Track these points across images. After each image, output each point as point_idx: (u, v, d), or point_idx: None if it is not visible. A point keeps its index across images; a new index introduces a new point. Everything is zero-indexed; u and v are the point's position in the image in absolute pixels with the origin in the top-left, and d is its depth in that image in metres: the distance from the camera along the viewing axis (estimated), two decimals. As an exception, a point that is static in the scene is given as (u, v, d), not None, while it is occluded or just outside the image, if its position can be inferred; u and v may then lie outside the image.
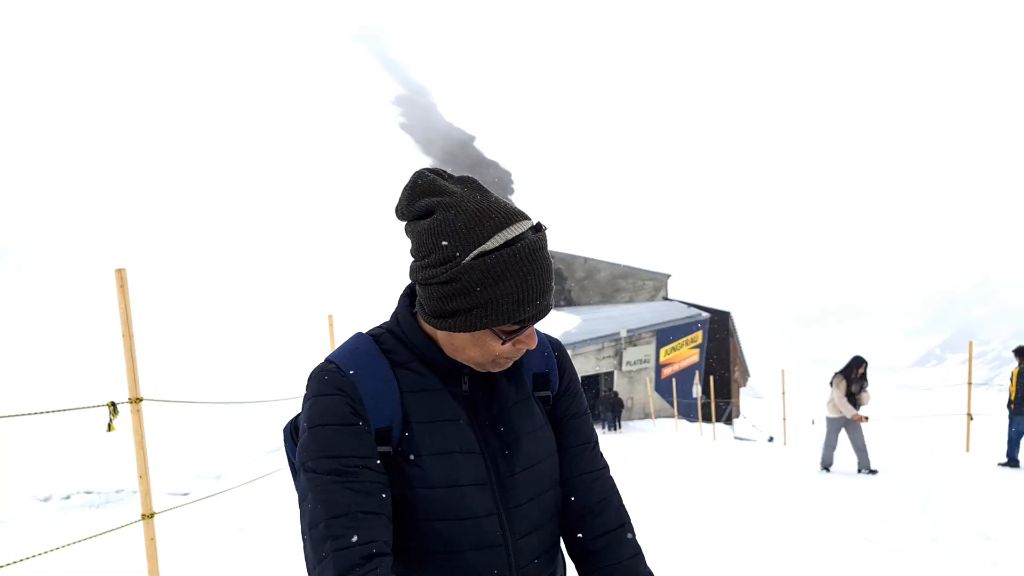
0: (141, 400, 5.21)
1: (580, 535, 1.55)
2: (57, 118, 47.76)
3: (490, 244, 1.33)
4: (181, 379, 11.65)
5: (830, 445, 10.60)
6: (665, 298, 45.67)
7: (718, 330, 42.76)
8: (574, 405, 1.62)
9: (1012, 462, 10.92)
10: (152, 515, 5.15)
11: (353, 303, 27.45)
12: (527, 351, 1.53)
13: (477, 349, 1.40)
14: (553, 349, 1.62)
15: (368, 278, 34.84)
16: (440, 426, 1.41)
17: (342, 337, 10.81)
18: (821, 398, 22.31)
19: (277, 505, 7.25)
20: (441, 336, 1.44)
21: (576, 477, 1.58)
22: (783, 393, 18.03)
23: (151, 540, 5.10)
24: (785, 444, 17.47)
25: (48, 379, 11.98)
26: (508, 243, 1.34)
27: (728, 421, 39.27)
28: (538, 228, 1.38)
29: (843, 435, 11.15)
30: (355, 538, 1.26)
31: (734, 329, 45.81)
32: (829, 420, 10.52)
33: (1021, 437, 10.94)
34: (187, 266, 27.08)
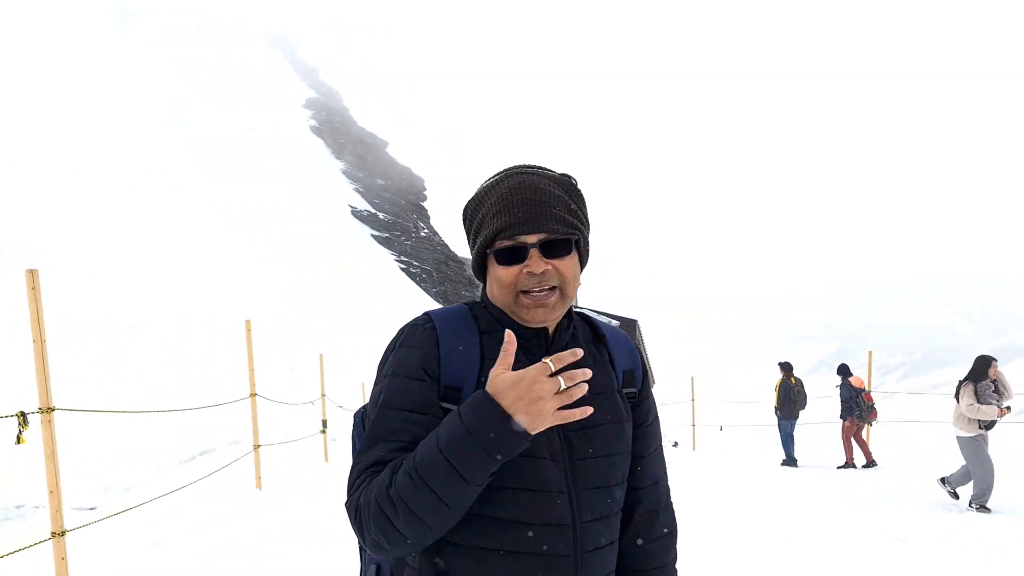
0: (53, 410, 4.93)
1: (640, 540, 1.61)
2: None
3: (484, 184, 1.52)
4: (85, 386, 11.06)
5: (987, 473, 8.06)
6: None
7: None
8: (651, 410, 1.67)
9: (792, 461, 13.18)
10: (63, 532, 4.86)
11: (271, 307, 26.73)
12: (615, 350, 1.62)
13: (498, 287, 1.48)
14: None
15: (284, 282, 34.02)
16: None
17: (261, 342, 10.51)
18: (729, 403, 23.00)
19: (195, 518, 6.96)
20: (488, 292, 1.54)
21: (650, 486, 1.63)
22: (692, 400, 18.52)
23: (62, 560, 4.82)
24: (695, 450, 17.91)
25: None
26: (497, 178, 1.51)
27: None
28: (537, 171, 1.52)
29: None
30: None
31: (641, 337, 46.82)
32: (964, 441, 8.17)
33: (791, 438, 13.32)
34: (99, 269, 25.85)
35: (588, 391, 1.42)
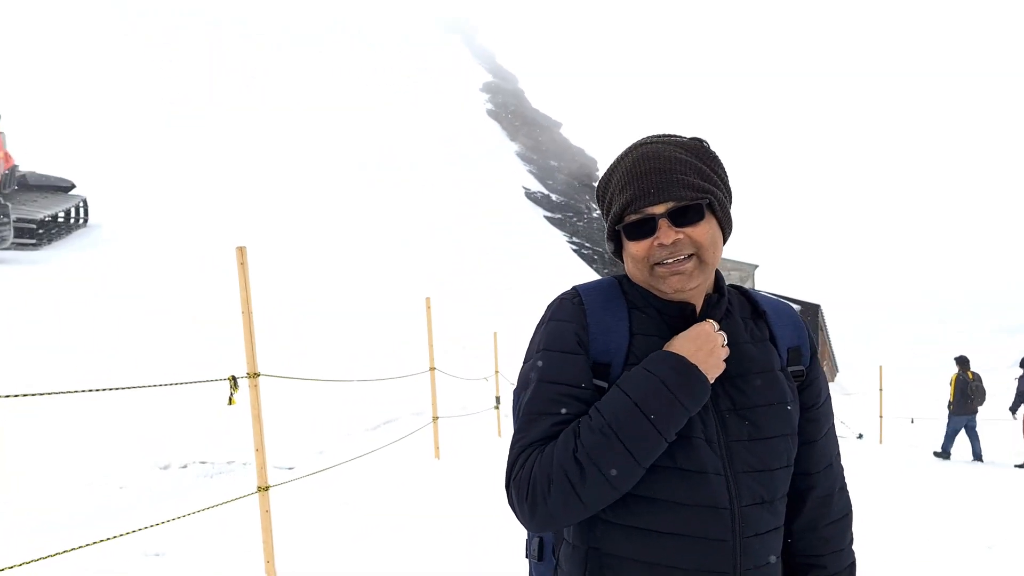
0: (258, 375, 5.43)
1: (816, 525, 1.55)
2: (180, 104, 49.94)
3: (613, 160, 1.49)
4: (286, 355, 12.06)
5: None
6: (752, 288, 44.76)
7: (807, 323, 41.65)
8: (823, 390, 1.59)
9: (945, 454, 13.19)
10: (267, 488, 5.36)
11: (449, 286, 27.78)
12: (776, 326, 1.56)
13: (632, 263, 1.46)
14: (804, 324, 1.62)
15: (463, 261, 35.23)
16: None
17: (440, 319, 11.01)
18: (919, 396, 21.48)
19: (378, 482, 7.48)
20: (626, 269, 1.52)
21: (823, 469, 1.56)
22: (880, 390, 17.43)
23: (266, 512, 5.31)
24: (881, 443, 16.90)
25: (167, 352, 12.62)
26: (623, 152, 1.47)
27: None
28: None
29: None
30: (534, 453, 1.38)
31: (824, 323, 44.53)
32: None
33: (956, 434, 13.24)
34: (299, 248, 27.92)
35: (748, 367, 1.46)
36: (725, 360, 1.41)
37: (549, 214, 58.50)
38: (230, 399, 5.38)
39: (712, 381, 1.35)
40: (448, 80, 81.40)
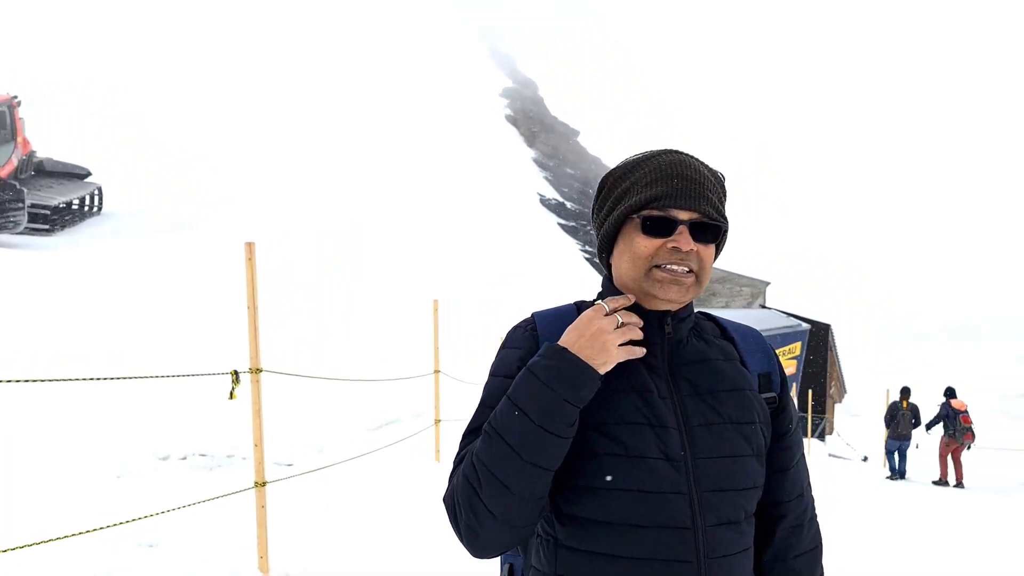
0: (261, 371, 5.42)
1: (784, 556, 1.51)
2: (197, 96, 50.32)
3: (630, 159, 1.47)
4: (289, 352, 12.06)
5: None
6: (762, 306, 44.50)
7: (817, 343, 41.40)
8: (794, 418, 1.56)
9: (895, 474, 14.82)
10: (264, 483, 5.34)
11: (458, 290, 27.80)
12: (746, 352, 1.52)
13: (630, 259, 1.39)
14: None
15: (473, 265, 35.26)
16: (627, 397, 1.38)
17: (446, 322, 10.98)
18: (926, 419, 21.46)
19: (378, 483, 7.45)
20: (614, 271, 1.48)
21: (795, 499, 1.53)
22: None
23: (262, 507, 5.29)
24: (884, 466, 16.80)
25: (171, 343, 12.64)
26: (650, 153, 1.45)
27: (821, 437, 38.01)
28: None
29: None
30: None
31: (833, 343, 44.26)
32: None
33: (893, 455, 15.01)
34: (311, 246, 28.02)
35: (718, 383, 1.42)
36: (699, 373, 1.42)
37: (563, 221, 58.56)
38: (231, 393, 5.37)
39: (603, 368, 1.29)
40: (467, 84, 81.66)
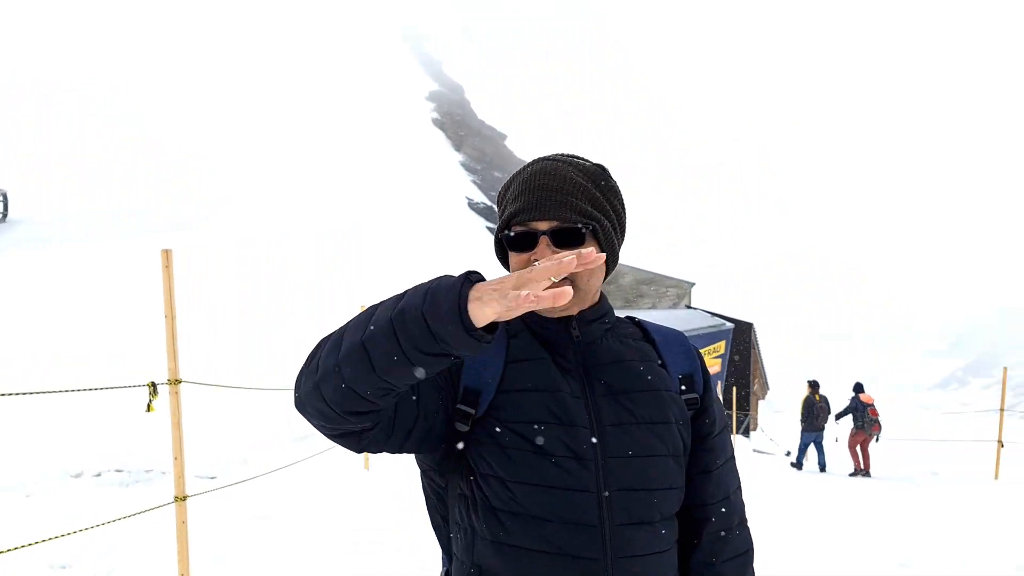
0: (180, 382, 5.23)
1: (713, 560, 1.51)
2: (197, 96, 48.79)
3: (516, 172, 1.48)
4: (208, 361, 11.72)
5: None
6: (688, 306, 45.40)
7: (740, 341, 42.46)
8: (718, 420, 1.56)
9: (798, 465, 15.27)
10: (184, 498, 5.16)
11: (383, 294, 27.55)
12: (667, 354, 1.52)
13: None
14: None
15: (398, 269, 35.00)
16: (537, 395, 1.38)
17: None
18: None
19: (302, 494, 7.28)
20: None
21: (720, 501, 1.52)
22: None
23: (182, 523, 5.10)
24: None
25: (82, 355, 12.13)
26: (525, 165, 1.46)
27: (746, 433, 38.99)
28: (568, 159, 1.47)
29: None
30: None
31: (756, 341, 45.46)
32: None
33: (807, 448, 15.41)
34: (229, 253, 27.38)
35: (633, 383, 1.43)
36: (613, 374, 1.41)
37: (492, 225, 58.67)
38: (148, 406, 5.18)
39: (492, 309, 1.02)
40: (394, 87, 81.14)
